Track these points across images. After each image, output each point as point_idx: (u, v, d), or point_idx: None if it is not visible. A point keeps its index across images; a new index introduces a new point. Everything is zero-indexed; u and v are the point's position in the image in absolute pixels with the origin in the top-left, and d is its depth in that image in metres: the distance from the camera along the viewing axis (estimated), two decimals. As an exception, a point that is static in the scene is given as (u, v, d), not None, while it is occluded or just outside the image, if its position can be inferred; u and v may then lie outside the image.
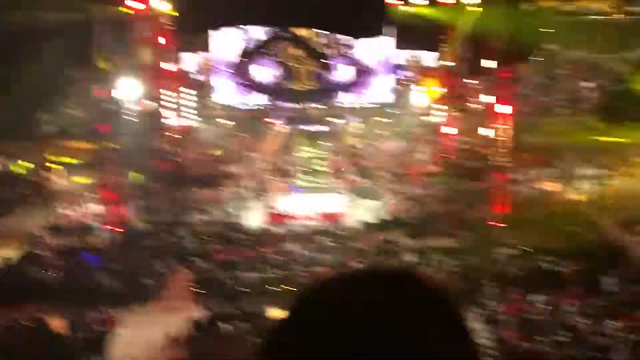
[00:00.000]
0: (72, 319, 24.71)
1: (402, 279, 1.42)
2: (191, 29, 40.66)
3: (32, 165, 44.14)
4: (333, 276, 1.46)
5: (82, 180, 41.04)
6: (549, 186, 39.72)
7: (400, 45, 41.63)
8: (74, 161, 44.83)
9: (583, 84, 55.00)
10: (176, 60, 42.35)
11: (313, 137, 46.73)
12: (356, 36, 37.60)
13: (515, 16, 31.31)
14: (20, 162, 44.30)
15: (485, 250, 30.76)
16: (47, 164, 44.41)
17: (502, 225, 32.00)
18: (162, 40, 40.33)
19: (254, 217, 36.44)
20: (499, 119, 31.87)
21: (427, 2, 37.72)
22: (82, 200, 37.68)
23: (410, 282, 1.41)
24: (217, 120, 42.39)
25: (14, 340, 23.43)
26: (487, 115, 38.32)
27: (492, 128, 32.17)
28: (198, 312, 25.76)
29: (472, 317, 25.08)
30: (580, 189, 39.56)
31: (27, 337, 23.63)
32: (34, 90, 46.77)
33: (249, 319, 24.67)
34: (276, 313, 25.29)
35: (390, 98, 42.19)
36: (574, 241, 31.70)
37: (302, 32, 38.06)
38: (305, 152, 45.80)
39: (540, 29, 40.91)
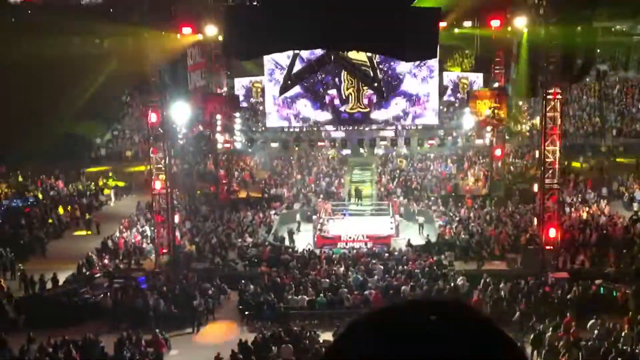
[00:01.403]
0: (124, 340, 25.09)
1: (454, 311, 1.40)
2: (243, 54, 41.21)
3: (85, 188, 45.02)
4: (382, 309, 1.46)
5: (134, 203, 41.74)
6: (601, 208, 39.00)
7: (448, 66, 41.60)
8: (126, 184, 45.72)
9: (636, 104, 54.16)
10: (228, 85, 42.97)
11: (362, 160, 46.80)
12: (408, 59, 37.54)
13: (568, 36, 31.01)
14: (74, 185, 45.23)
15: (536, 273, 30.32)
16: (101, 187, 45.29)
17: (553, 248, 31.50)
18: (213, 65, 41.01)
19: (302, 240, 36.54)
20: (550, 141, 31.49)
21: (474, 25, 37.61)
22: (133, 223, 38.28)
23: (462, 314, 1.40)
24: (268, 143, 42.80)
25: (68, 359, 23.85)
26: (538, 137, 37.90)
27: (543, 150, 31.76)
28: (247, 334, 25.92)
29: (525, 342, 24.74)
30: (634, 210, 38.77)
31: (80, 357, 24.03)
32: (88, 115, 47.92)
33: (298, 341, 24.71)
34: (325, 336, 25.31)
35: (439, 120, 42.03)
36: (628, 264, 31.11)
37: (353, 54, 38.19)
38: (354, 174, 45.86)
39: (593, 49, 40.38)
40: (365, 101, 41.60)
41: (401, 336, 1.33)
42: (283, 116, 42.56)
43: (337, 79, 41.47)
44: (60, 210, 40.61)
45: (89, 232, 38.56)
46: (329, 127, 42.47)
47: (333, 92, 41.79)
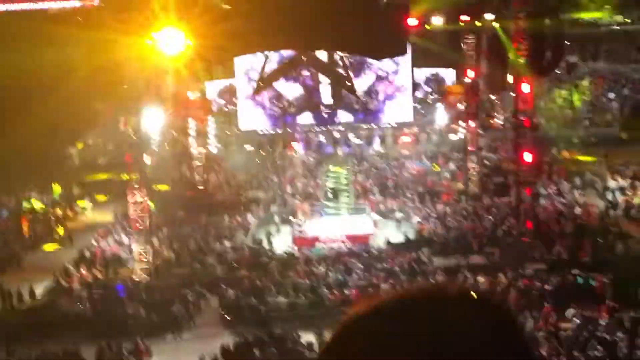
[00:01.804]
0: (104, 349, 24.94)
1: (465, 302, 1.34)
2: (214, 58, 41.14)
3: (59, 199, 44.62)
4: (394, 297, 1.39)
5: (109, 212, 41.47)
6: (576, 199, 39.41)
7: (420, 63, 41.76)
8: (102, 195, 45.37)
9: (606, 94, 54.77)
10: (200, 89, 42.84)
11: (337, 159, 46.89)
12: (378, 57, 37.68)
13: (537, 29, 31.26)
14: (50, 195, 44.79)
15: (514, 265, 30.57)
16: (75, 197, 44.91)
17: (530, 240, 31.77)
18: (186, 70, 40.83)
19: (281, 242, 36.51)
20: (522, 133, 31.74)
21: (444, 21, 37.77)
22: (110, 231, 38.04)
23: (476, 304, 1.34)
24: (242, 146, 42.75)
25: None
26: (511, 130, 38.22)
27: (516, 143, 32.03)
28: (229, 339, 25.87)
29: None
30: (608, 200, 39.21)
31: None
32: (61, 125, 47.50)
33: (280, 344, 24.72)
34: (306, 337, 25.33)
35: (412, 117, 42.24)
36: (604, 254, 31.44)
37: (324, 54, 38.28)
38: (330, 174, 45.92)
39: (562, 41, 40.74)
40: (337, 99, 41.67)
41: (415, 325, 1.28)
42: (257, 118, 42.53)
43: (308, 78, 41.48)
44: (25, 227, 39.95)
45: (58, 247, 38.14)
46: (304, 127, 42.48)
47: (306, 92, 41.80)
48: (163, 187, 44.47)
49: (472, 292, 1.35)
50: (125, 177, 33.15)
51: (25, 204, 43.55)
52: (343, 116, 42.08)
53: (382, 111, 41.91)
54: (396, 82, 41.51)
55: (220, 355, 24.12)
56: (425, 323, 1.28)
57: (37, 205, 43.49)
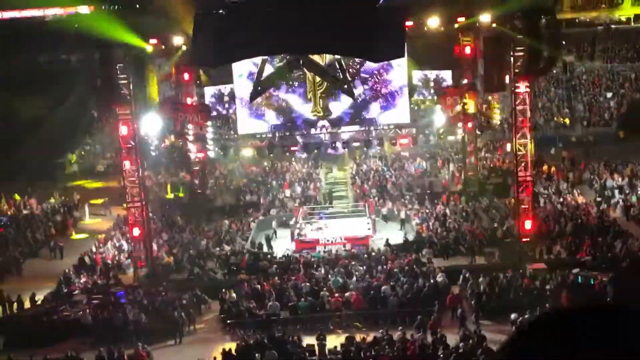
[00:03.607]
0: (106, 355, 24.92)
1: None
2: (210, 63, 41.19)
3: (59, 206, 44.55)
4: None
5: (108, 217, 41.47)
6: (575, 198, 39.44)
7: (417, 65, 41.74)
8: (100, 200, 45.31)
9: (603, 94, 54.79)
10: (198, 94, 42.83)
11: (336, 162, 46.91)
12: (376, 59, 37.71)
13: (533, 29, 31.25)
14: (47, 203, 44.74)
15: (514, 266, 30.58)
16: (74, 204, 44.86)
17: (530, 240, 31.77)
18: (183, 75, 40.83)
19: (281, 245, 36.52)
20: (520, 134, 31.75)
21: (441, 23, 37.76)
22: (109, 237, 38.03)
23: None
24: (240, 150, 42.74)
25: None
26: (509, 131, 38.24)
27: (515, 143, 32.03)
28: (230, 343, 25.85)
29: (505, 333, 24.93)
30: (607, 199, 39.22)
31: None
32: (58, 131, 47.51)
33: (281, 347, 24.70)
34: (307, 340, 25.31)
35: (409, 119, 42.21)
36: (604, 253, 31.44)
37: (320, 58, 38.25)
38: (328, 177, 45.92)
39: (559, 41, 40.76)
40: (335, 102, 41.59)
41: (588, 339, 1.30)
42: (255, 123, 42.50)
43: (306, 82, 41.41)
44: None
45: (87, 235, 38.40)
46: (302, 131, 42.44)
47: (303, 96, 41.76)
48: (162, 193, 44.49)
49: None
50: (123, 183, 33.11)
51: (24, 211, 43.54)
52: (341, 119, 42.04)
53: (380, 113, 41.89)
54: (393, 84, 41.51)
55: (222, 359, 24.09)
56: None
57: (37, 211, 43.46)
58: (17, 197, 44.34)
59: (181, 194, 43.43)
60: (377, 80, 41.54)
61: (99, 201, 44.86)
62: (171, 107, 39.49)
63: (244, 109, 42.27)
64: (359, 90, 41.00)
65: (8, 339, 27.87)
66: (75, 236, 40.45)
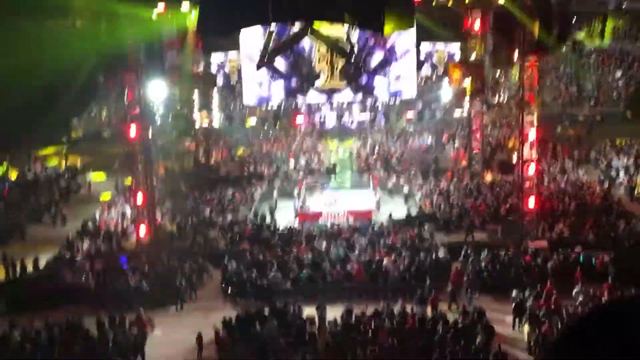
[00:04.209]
0: (107, 321, 25.07)
1: None
2: (217, 31, 40.83)
3: (63, 171, 44.62)
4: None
5: (112, 183, 41.47)
6: (580, 177, 39.35)
7: (425, 39, 41.38)
8: (105, 166, 45.32)
9: (612, 73, 54.44)
10: (204, 63, 42.58)
11: (341, 135, 46.77)
12: (384, 32, 37.30)
13: (544, 5, 30.94)
14: (51, 166, 44.78)
15: (517, 243, 30.61)
16: (79, 169, 44.91)
17: (533, 217, 31.73)
18: (190, 42, 40.54)
19: (284, 217, 36.56)
20: (527, 111, 31.54)
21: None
22: (113, 204, 38.10)
23: None
24: (246, 120, 42.61)
25: (52, 342, 23.82)
26: (515, 107, 38.02)
27: (521, 120, 31.85)
28: (231, 312, 25.97)
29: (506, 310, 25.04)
30: (612, 179, 39.14)
31: (63, 339, 24.00)
32: (65, 96, 47.37)
33: (282, 317, 24.82)
34: (308, 311, 25.41)
35: (416, 93, 41.95)
36: (607, 232, 31.43)
37: (328, 27, 37.93)
38: (333, 149, 45.83)
39: (570, 18, 40.42)
40: (340, 76, 41.28)
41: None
42: (261, 92, 42.27)
43: (313, 52, 41.05)
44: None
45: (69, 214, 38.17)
46: (308, 102, 42.18)
47: (310, 66, 41.42)
48: (167, 161, 44.45)
49: None
50: (130, 149, 33.04)
51: (29, 175, 43.60)
52: (347, 91, 41.78)
53: (387, 87, 41.62)
54: (401, 58, 41.20)
55: (222, 327, 24.23)
56: None
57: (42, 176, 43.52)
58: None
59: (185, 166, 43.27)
60: (386, 54, 41.20)
61: (99, 175, 44.84)
62: (177, 75, 39.30)
63: (250, 78, 41.97)
64: (373, 54, 40.59)
65: (10, 302, 28.05)
66: (79, 201, 40.50)
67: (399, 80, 41.53)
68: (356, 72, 40.24)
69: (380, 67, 41.36)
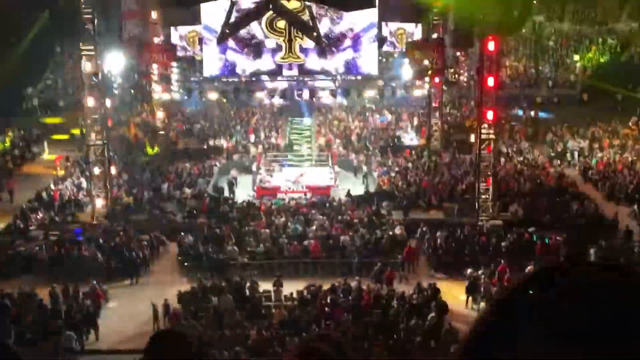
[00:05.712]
0: (61, 292, 24.81)
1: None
2: (179, 2, 40.42)
3: (17, 141, 43.78)
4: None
5: (68, 154, 40.79)
6: (535, 158, 39.91)
7: (386, 17, 41.44)
8: (60, 136, 44.57)
9: (570, 56, 55.14)
10: (164, 34, 42.05)
11: (301, 111, 46.58)
12: (346, 8, 37.31)
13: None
14: (4, 137, 43.89)
15: (472, 222, 30.96)
16: (33, 139, 44.10)
17: (488, 197, 32.10)
18: (150, 13, 40.00)
19: (242, 191, 36.43)
20: (485, 91, 31.78)
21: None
22: (69, 174, 37.53)
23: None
24: (205, 93, 42.21)
25: (4, 312, 23.50)
26: (475, 88, 38.33)
27: (479, 100, 32.09)
28: (186, 286, 25.90)
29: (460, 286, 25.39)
30: (567, 160, 39.80)
31: (16, 309, 23.70)
32: (19, 66, 46.32)
33: (238, 291, 24.84)
34: (264, 285, 25.47)
35: (377, 71, 42.01)
36: (560, 212, 31.96)
37: (290, 3, 37.71)
38: (293, 125, 45.69)
39: (530, 1, 40.77)
40: (300, 52, 41.13)
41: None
42: (222, 66, 41.91)
43: (274, 27, 40.80)
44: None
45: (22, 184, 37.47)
46: (269, 77, 42.01)
47: (270, 41, 41.19)
48: (124, 132, 43.89)
49: None
50: (86, 120, 32.53)
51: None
52: (307, 66, 41.65)
53: (348, 64, 41.61)
54: (362, 35, 41.20)
55: (177, 301, 24.17)
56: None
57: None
58: None
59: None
60: (347, 31, 41.15)
61: (60, 137, 44.07)
62: (136, 46, 38.76)
63: (210, 51, 41.60)
64: (335, 30, 40.55)
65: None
66: (33, 171, 39.80)
67: (360, 57, 41.58)
68: (317, 47, 40.12)
69: (340, 43, 41.33)
